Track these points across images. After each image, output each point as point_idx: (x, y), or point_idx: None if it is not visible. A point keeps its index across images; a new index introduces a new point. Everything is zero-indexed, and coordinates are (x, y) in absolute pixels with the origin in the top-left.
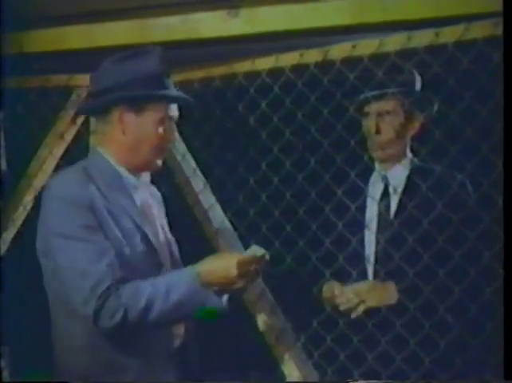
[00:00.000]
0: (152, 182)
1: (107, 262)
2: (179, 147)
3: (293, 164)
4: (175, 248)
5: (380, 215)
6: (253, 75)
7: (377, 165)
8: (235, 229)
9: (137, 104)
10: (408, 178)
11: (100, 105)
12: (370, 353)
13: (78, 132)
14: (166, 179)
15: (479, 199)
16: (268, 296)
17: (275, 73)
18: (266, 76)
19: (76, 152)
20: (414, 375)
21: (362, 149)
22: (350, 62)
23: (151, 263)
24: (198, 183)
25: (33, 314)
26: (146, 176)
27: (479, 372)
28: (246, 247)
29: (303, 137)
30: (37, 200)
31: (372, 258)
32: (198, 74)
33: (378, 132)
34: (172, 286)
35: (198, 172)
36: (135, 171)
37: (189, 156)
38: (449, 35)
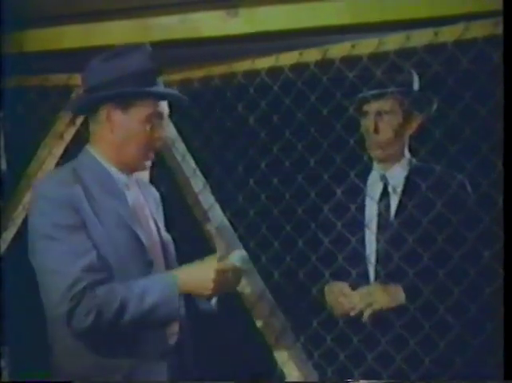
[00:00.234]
0: (152, 182)
1: (85, 263)
2: (179, 147)
3: (293, 164)
4: (170, 248)
5: (379, 214)
6: (252, 74)
7: (376, 165)
8: (235, 229)
9: (124, 101)
10: (407, 178)
11: (87, 104)
12: (370, 353)
13: (77, 131)
14: (165, 179)
15: (479, 199)
16: (268, 296)
17: (275, 72)
18: (266, 75)
19: (76, 151)
20: (414, 375)
21: (361, 149)
22: (349, 62)
23: (142, 263)
24: (198, 183)
25: (33, 314)
26: (144, 176)
27: (479, 372)
28: (247, 247)
29: (302, 137)
30: None
31: (372, 258)
32: (197, 73)
33: (377, 131)
34: (148, 288)
35: (198, 172)
36: (126, 169)
37: (189, 156)
38: (448, 34)
